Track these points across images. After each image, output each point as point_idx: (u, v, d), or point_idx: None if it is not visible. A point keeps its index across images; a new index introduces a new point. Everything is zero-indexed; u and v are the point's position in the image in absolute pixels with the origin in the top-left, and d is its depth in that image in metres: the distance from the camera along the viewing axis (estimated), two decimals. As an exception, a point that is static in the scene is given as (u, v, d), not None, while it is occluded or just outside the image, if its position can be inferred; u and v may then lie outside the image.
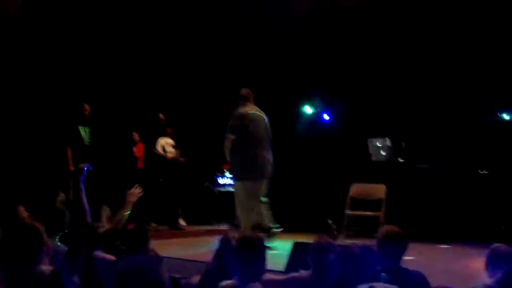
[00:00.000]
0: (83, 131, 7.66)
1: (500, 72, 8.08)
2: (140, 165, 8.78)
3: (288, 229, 6.67)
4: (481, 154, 8.04)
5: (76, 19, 8.73)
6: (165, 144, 8.29)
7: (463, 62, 8.31)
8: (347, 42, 8.92)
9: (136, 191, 4.26)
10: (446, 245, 6.69)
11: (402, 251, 3.28)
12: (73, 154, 7.34)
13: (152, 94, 9.34)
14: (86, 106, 7.68)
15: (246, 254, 2.92)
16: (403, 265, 3.28)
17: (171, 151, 8.28)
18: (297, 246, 4.45)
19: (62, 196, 6.48)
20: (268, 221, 6.20)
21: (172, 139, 8.34)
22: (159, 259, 3.55)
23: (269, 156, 6.32)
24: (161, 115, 8.27)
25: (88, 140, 7.68)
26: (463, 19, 8.15)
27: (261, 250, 2.99)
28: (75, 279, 2.88)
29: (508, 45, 7.81)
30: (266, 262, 2.99)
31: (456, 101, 8.61)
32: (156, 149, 8.25)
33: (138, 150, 8.88)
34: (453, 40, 8.37)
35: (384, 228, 3.43)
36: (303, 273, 3.31)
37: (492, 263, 3.14)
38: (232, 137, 6.26)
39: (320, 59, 8.89)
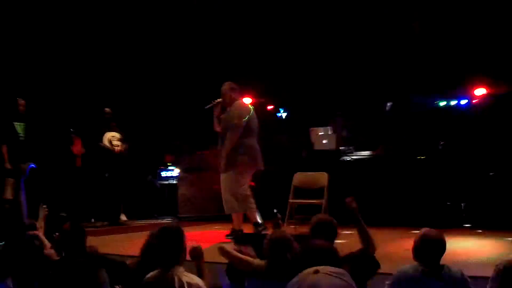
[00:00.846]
0: (18, 127, 7.38)
1: (437, 61, 8.36)
2: (78, 163, 8.53)
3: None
4: (419, 141, 8.29)
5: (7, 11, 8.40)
6: (111, 137, 8.17)
7: (399, 50, 8.53)
8: (288, 31, 8.98)
9: None
10: (385, 229, 6.80)
11: (333, 237, 3.38)
12: (9, 151, 7.08)
13: (90, 88, 9.13)
14: (21, 101, 7.44)
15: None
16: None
17: (117, 145, 8.16)
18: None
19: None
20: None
21: (117, 132, 8.22)
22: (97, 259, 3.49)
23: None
24: (107, 109, 8.17)
25: (23, 136, 7.42)
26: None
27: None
28: (9, 282, 2.77)
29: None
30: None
31: (395, 88, 8.86)
32: (102, 143, 8.10)
33: (76, 147, 8.62)
34: (387, 30, 8.60)
35: (315, 216, 3.54)
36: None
37: (419, 247, 3.22)
38: (240, 128, 6.18)
39: (260, 49, 8.90)
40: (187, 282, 3.01)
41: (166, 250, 3.11)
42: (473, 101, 8.45)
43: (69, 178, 8.21)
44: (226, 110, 6.34)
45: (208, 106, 6.37)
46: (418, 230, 3.36)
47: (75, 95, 8.99)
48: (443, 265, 3.19)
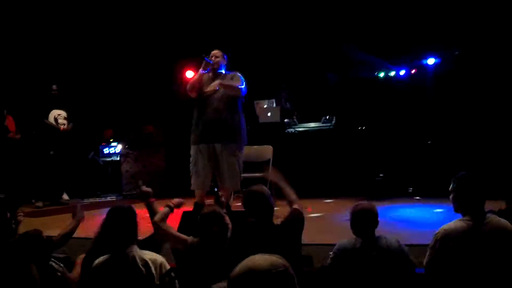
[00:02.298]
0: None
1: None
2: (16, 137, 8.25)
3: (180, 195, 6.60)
4: (359, 111, 8.44)
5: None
6: (57, 115, 7.96)
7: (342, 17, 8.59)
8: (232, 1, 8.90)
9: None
10: (329, 200, 7.00)
11: (266, 208, 3.40)
12: None
13: (24, 62, 8.79)
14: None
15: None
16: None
17: (63, 123, 7.97)
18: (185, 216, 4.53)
19: None
20: None
21: (63, 110, 8.01)
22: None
23: None
24: (54, 86, 7.93)
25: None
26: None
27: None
28: None
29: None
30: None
31: (337, 60, 8.94)
32: (47, 121, 7.89)
33: (9, 124, 8.31)
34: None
35: (246, 189, 3.59)
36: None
37: (352, 220, 3.31)
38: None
39: (206, 20, 8.77)
40: (150, 260, 3.00)
41: (121, 230, 3.08)
42: (412, 71, 8.63)
43: (6, 157, 7.92)
44: (215, 75, 5.62)
45: (207, 58, 5.53)
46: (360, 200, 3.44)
47: (8, 71, 8.64)
48: (378, 236, 3.26)
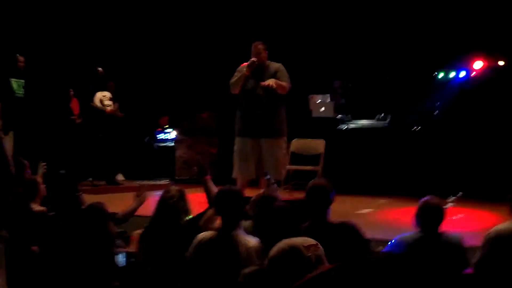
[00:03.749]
0: (15, 84, 7.38)
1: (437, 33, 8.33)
2: (77, 120, 8.57)
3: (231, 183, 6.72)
4: (416, 111, 8.33)
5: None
6: (102, 97, 8.11)
7: (399, 20, 8.49)
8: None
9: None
10: (383, 198, 6.93)
11: (327, 203, 3.34)
12: (2, 107, 7.05)
13: (89, 47, 9.10)
14: (20, 58, 7.42)
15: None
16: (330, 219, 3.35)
17: (109, 104, 8.11)
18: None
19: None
20: None
21: (111, 92, 8.16)
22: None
23: None
24: (100, 69, 8.04)
25: (22, 93, 7.42)
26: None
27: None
28: (3, 232, 2.81)
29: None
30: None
31: (395, 58, 8.85)
32: (93, 103, 8.05)
33: (74, 106, 8.67)
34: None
35: (311, 182, 3.49)
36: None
37: (419, 214, 3.28)
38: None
39: (258, 13, 8.90)
40: (252, 247, 2.99)
41: (228, 211, 3.12)
42: (472, 73, 8.45)
43: (68, 136, 8.23)
44: (260, 67, 5.66)
45: (249, 64, 5.61)
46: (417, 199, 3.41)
47: (75, 54, 8.96)
48: (441, 232, 3.25)
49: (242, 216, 3.20)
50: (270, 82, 5.57)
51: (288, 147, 6.22)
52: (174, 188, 3.70)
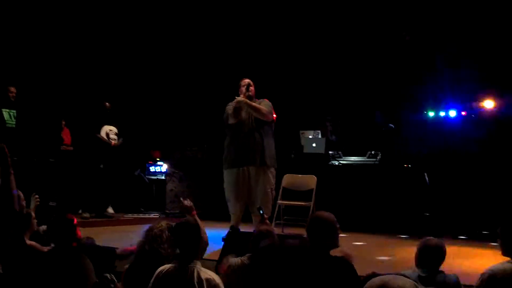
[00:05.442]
0: (7, 114, 7.39)
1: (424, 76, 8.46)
2: (68, 148, 8.61)
3: (221, 217, 6.73)
4: (406, 149, 8.39)
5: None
6: (109, 131, 8.20)
7: (391, 58, 8.62)
8: (278, 34, 9.02)
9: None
10: (374, 235, 6.92)
11: (332, 236, 3.31)
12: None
13: (82, 78, 9.17)
14: (12, 89, 7.53)
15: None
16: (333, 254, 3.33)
17: (114, 139, 8.21)
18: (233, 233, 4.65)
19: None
20: None
21: (115, 127, 8.26)
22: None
23: None
24: (107, 104, 8.20)
25: (13, 123, 7.42)
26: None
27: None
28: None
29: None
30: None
31: (386, 97, 8.96)
32: (99, 135, 8.12)
33: (65, 136, 8.67)
34: (381, 37, 8.69)
35: (314, 213, 3.50)
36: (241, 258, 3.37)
37: (420, 253, 3.31)
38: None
39: (250, 50, 9.01)
40: (206, 279, 3.05)
41: (186, 244, 3.16)
42: (462, 112, 8.56)
43: (59, 167, 8.17)
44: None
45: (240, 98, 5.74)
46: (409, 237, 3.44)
47: (68, 85, 8.99)
48: (439, 271, 3.30)
49: (198, 250, 3.24)
50: (242, 99, 5.70)
51: (275, 180, 6.11)
52: (161, 223, 3.64)
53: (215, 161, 8.66)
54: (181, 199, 4.10)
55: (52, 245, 3.77)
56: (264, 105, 5.82)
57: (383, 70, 9.07)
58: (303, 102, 9.32)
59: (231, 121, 5.76)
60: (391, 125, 8.73)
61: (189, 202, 3.96)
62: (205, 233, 3.68)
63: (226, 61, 9.25)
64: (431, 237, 3.40)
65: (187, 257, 3.14)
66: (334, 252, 3.34)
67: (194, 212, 3.90)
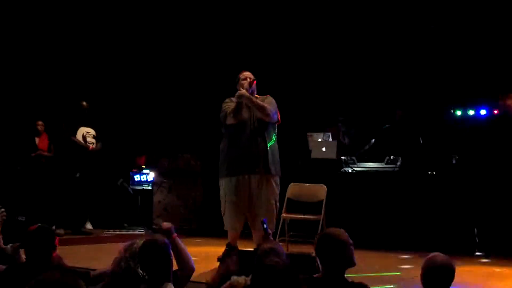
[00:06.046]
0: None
1: (450, 70, 8.43)
2: (43, 158, 8.55)
3: (217, 233, 6.73)
4: (431, 153, 8.34)
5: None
6: (86, 133, 8.20)
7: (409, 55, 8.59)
8: (284, 30, 9.12)
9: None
10: (389, 252, 6.88)
11: (345, 255, 3.27)
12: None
13: (55, 74, 9.21)
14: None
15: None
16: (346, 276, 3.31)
17: (91, 142, 8.19)
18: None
19: None
20: None
21: (92, 129, 8.27)
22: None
23: None
24: (84, 103, 8.21)
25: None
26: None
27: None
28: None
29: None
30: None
31: (406, 95, 8.92)
32: (75, 138, 8.11)
33: (42, 142, 8.63)
34: (398, 35, 8.69)
35: (325, 231, 3.45)
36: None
37: (425, 274, 3.23)
38: None
39: (255, 46, 9.07)
40: None
41: (155, 266, 3.18)
42: (494, 111, 8.51)
43: (31, 178, 8.14)
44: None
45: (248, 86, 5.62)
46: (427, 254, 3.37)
47: (41, 82, 8.99)
48: None
49: (169, 272, 3.26)
50: (245, 92, 5.55)
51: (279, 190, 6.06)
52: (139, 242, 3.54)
53: (210, 168, 8.69)
54: (159, 221, 4.07)
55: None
56: (268, 103, 5.70)
57: (404, 63, 9.03)
58: (311, 99, 9.26)
59: (230, 121, 5.64)
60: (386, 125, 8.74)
61: (168, 224, 3.85)
62: (189, 258, 3.64)
63: (222, 53, 9.28)
64: (437, 254, 3.28)
65: (156, 281, 3.16)
66: (350, 271, 3.31)
67: (175, 235, 3.79)
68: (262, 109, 5.60)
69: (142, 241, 3.46)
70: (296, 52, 9.31)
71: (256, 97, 5.73)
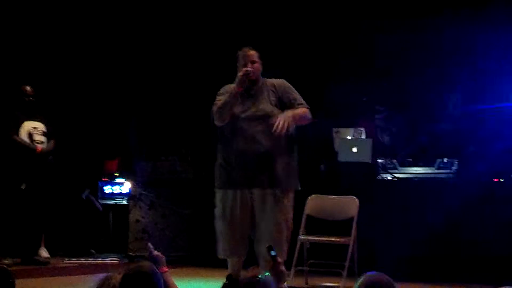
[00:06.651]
0: None
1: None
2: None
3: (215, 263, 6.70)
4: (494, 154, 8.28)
5: None
6: (32, 130, 8.15)
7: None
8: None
9: None
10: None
11: None
12: None
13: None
14: None
15: None
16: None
17: (41, 141, 8.13)
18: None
19: None
20: None
21: (42, 123, 8.22)
22: None
23: None
24: (28, 88, 8.17)
25: None
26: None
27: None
28: None
29: None
30: None
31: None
32: (17, 137, 8.05)
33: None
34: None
35: (365, 277, 3.24)
36: None
37: None
38: None
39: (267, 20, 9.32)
40: None
41: None
42: None
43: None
44: (251, 84, 5.75)
45: (241, 77, 5.65)
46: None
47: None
48: None
49: None
50: (282, 121, 5.51)
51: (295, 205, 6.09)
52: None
53: (204, 175, 8.66)
54: (149, 245, 4.05)
55: None
56: (293, 99, 5.78)
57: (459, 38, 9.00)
58: (338, 85, 9.20)
59: (217, 121, 5.74)
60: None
61: (159, 254, 3.95)
62: None
63: (215, 28, 9.45)
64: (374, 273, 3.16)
65: None
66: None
67: (166, 270, 3.88)
68: (303, 119, 5.80)
69: (121, 273, 3.42)
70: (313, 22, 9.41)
71: (263, 81, 5.80)
